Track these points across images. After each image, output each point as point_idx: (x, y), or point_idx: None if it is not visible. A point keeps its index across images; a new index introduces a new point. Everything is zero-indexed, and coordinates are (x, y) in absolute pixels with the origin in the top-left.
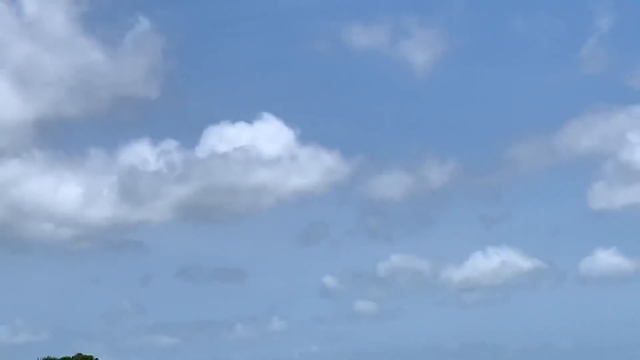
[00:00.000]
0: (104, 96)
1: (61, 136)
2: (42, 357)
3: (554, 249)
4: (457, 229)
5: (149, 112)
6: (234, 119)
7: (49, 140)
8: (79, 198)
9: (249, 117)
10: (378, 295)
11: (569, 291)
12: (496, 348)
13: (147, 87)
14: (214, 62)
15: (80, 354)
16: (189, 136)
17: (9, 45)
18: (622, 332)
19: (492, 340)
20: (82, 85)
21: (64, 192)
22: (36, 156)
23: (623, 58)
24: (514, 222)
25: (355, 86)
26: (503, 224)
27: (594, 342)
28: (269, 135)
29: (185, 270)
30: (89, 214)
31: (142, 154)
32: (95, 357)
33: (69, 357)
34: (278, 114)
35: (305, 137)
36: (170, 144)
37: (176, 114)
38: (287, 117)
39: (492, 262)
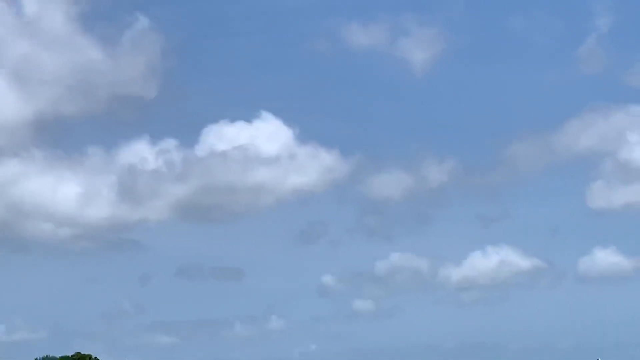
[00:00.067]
0: (102, 95)
1: (60, 135)
2: (41, 355)
3: (552, 248)
4: (455, 228)
5: (148, 111)
6: (233, 117)
7: (48, 139)
8: (77, 197)
9: (248, 116)
10: (377, 294)
11: (567, 290)
12: (495, 347)
13: (146, 86)
14: (212, 61)
15: (79, 352)
16: (188, 135)
17: (8, 44)
18: (620, 330)
19: (490, 339)
20: (81, 84)
21: (63, 192)
22: (35, 155)
23: (621, 57)
24: (512, 222)
25: (354, 85)
26: (502, 223)
27: (593, 341)
28: (268, 134)
29: (184, 269)
30: (88, 213)
31: (141, 153)
32: (94, 356)
33: (68, 356)
34: (277, 113)
35: (304, 136)
36: (169, 143)
37: (175, 113)
38: (286, 116)
39: (490, 261)
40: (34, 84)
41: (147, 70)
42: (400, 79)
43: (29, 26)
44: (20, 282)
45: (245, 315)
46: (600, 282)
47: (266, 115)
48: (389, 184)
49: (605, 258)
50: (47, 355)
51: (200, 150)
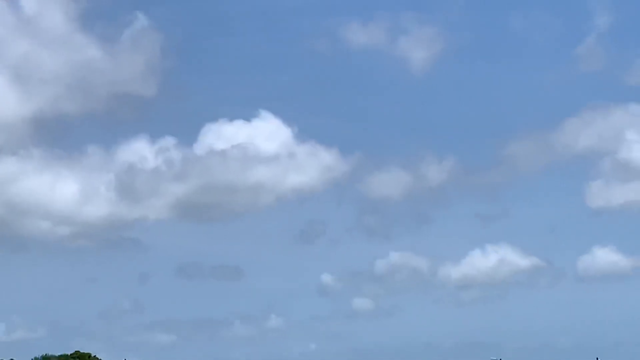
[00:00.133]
0: (101, 93)
1: (59, 134)
2: (40, 354)
3: (551, 247)
4: (455, 227)
5: (147, 109)
6: (232, 116)
7: (47, 137)
8: (76, 196)
9: (247, 114)
10: (376, 293)
11: (566, 289)
12: (494, 346)
13: (145, 84)
14: (212, 60)
15: (78, 351)
16: (187, 134)
17: (7, 43)
18: (619, 329)
19: (489, 338)
20: (80, 83)
21: (62, 190)
22: (34, 154)
23: (621, 56)
24: (511, 220)
25: (353, 84)
26: (501, 222)
27: (592, 340)
28: (267, 133)
29: (183, 268)
30: (86, 211)
31: (140, 151)
32: (93, 355)
33: (67, 355)
34: (276, 112)
35: (303, 135)
36: (169, 142)
37: (174, 112)
38: (285, 115)
39: (490, 260)
40: (33, 83)
41: (146, 69)
42: (400, 78)
43: (28, 25)
44: (19, 281)
45: (244, 314)
46: (599, 281)
47: (265, 114)
48: (389, 183)
49: (605, 257)
50: (46, 354)
51: (200, 149)
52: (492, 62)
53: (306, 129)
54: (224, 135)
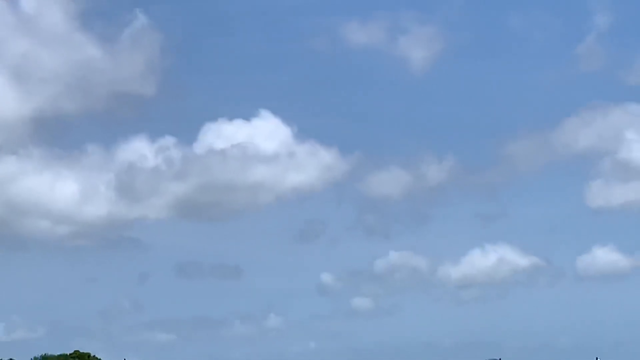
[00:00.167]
0: (101, 93)
1: (58, 133)
2: (39, 354)
3: (551, 247)
4: (454, 226)
5: (146, 108)
6: (232, 115)
7: (46, 137)
8: (76, 195)
9: (247, 114)
10: (375, 293)
11: (566, 288)
12: (493, 345)
13: (145, 83)
14: (211, 59)
15: (78, 351)
16: (187, 133)
17: (6, 42)
18: (619, 329)
19: (489, 338)
20: (80, 82)
21: (61, 189)
22: (33, 153)
23: (620, 55)
24: (511, 220)
25: (352, 83)
26: (500, 222)
27: (591, 339)
28: (266, 132)
29: (183, 267)
30: (86, 211)
31: (139, 150)
32: (92, 354)
33: (66, 354)
34: (276, 111)
35: (303, 134)
36: (168, 141)
37: (174, 111)
38: (285, 114)
39: (489, 259)
40: (32, 82)
41: (146, 68)
42: (399, 77)
43: (27, 24)
44: (18, 281)
45: (244, 313)
46: (599, 280)
47: (265, 113)
48: (388, 182)
49: (604, 256)
50: (45, 354)
51: (199, 148)
52: (491, 62)
53: (306, 128)
54: (223, 134)
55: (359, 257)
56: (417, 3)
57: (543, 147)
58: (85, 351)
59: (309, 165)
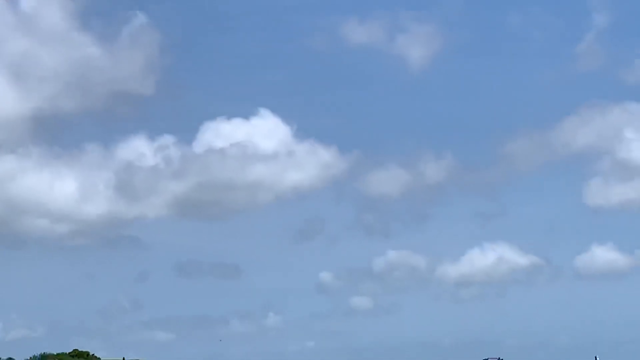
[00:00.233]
0: (100, 91)
1: (57, 131)
2: (38, 352)
3: (550, 245)
4: (453, 225)
5: (145, 107)
6: (231, 114)
7: (45, 135)
8: (75, 193)
9: (246, 112)
10: (374, 291)
11: (564, 287)
12: (492, 343)
13: (144, 82)
14: (210, 58)
15: (77, 349)
16: (186, 132)
17: (5, 40)
18: (617, 327)
19: (488, 336)
20: (79, 81)
21: (60, 188)
22: (32, 152)
23: (619, 55)
24: (510, 218)
25: (351, 82)
26: (499, 220)
27: (590, 337)
28: (265, 131)
29: (182, 266)
30: (85, 209)
31: (139, 149)
32: (91, 353)
33: (65, 353)
34: (275, 110)
35: (302, 133)
36: (167, 140)
37: (173, 110)
38: (284, 113)
39: (488, 258)
40: (31, 81)
41: (145, 67)
42: (398, 76)
43: (27, 23)
44: (18, 279)
45: (242, 311)
46: (597, 279)
47: (264, 112)
48: (387, 181)
49: (602, 255)
50: (44, 353)
51: (198, 147)
52: (490, 61)
53: (305, 127)
54: (222, 133)
55: (357, 256)
56: (415, 2)
57: (542, 146)
58: (84, 350)
59: (308, 164)
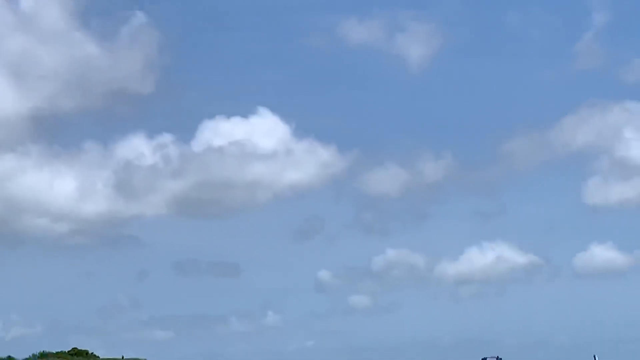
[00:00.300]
0: (99, 90)
1: (56, 130)
2: (37, 351)
3: (549, 244)
4: (452, 223)
5: (144, 106)
6: (230, 113)
7: (44, 134)
8: (74, 192)
9: (245, 111)
10: (373, 290)
11: (564, 286)
12: (491, 342)
13: (143, 81)
14: (209, 57)
15: (76, 348)
16: (185, 130)
17: (4, 39)
18: (617, 326)
19: (487, 335)
20: (78, 79)
21: (59, 187)
22: (31, 150)
23: (618, 53)
24: (509, 217)
25: (351, 81)
26: (498, 219)
27: (589, 337)
28: (264, 130)
29: (181, 264)
30: (84, 208)
31: (137, 148)
32: (90, 352)
33: (64, 352)
34: (274, 109)
35: (301, 132)
36: (166, 138)
37: (172, 108)
38: (283, 112)
39: (487, 257)
40: (30, 79)
41: (144, 65)
42: (397, 75)
43: (25, 21)
44: (16, 278)
45: (241, 310)
46: (596, 278)
47: (263, 110)
48: (386, 179)
49: (602, 254)
50: (43, 351)
51: (197, 145)
52: (489, 60)
53: (304, 126)
54: (221, 131)
55: (356, 254)
56: (415, 1)
57: (541, 144)
58: (83, 348)
59: (307, 163)
